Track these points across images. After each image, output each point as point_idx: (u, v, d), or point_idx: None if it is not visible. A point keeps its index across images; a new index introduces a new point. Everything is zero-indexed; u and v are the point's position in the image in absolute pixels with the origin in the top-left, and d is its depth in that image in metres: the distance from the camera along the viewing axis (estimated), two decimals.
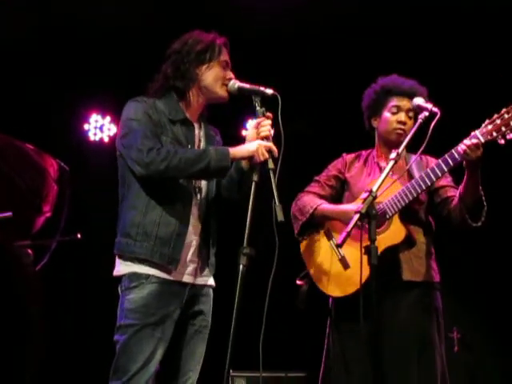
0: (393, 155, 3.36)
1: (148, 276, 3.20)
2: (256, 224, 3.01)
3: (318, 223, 3.94)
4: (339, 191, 4.06)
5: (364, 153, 4.09)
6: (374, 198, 3.19)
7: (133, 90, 3.49)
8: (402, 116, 3.87)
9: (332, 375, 3.82)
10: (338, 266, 3.80)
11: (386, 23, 6.04)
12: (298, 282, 3.98)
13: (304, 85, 6.58)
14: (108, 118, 6.92)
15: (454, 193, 3.75)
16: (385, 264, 3.52)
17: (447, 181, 3.86)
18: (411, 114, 3.84)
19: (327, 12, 5.99)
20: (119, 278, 3.28)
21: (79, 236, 4.95)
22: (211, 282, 3.42)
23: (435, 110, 3.51)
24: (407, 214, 3.74)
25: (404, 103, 3.87)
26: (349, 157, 4.11)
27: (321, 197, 4.02)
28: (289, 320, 6.15)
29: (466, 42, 5.96)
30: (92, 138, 6.94)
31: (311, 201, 3.97)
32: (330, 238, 3.89)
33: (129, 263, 3.24)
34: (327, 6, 5.89)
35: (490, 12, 5.73)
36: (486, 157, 3.51)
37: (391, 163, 3.34)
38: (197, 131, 3.45)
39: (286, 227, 3.99)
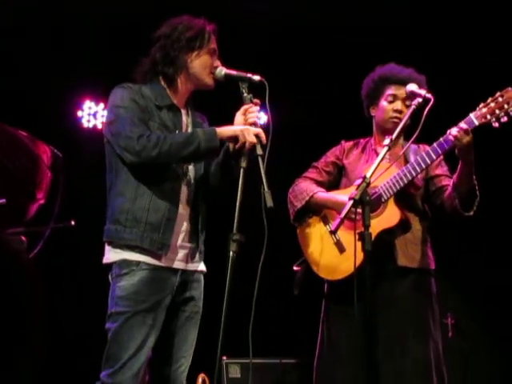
0: (386, 141, 3.37)
1: (138, 263, 3.20)
2: (248, 210, 3.01)
3: (313, 210, 3.95)
4: (337, 177, 4.07)
5: (362, 140, 4.11)
6: (368, 184, 3.19)
7: (126, 76, 3.48)
8: (398, 104, 3.87)
9: (326, 360, 3.83)
10: (334, 249, 3.81)
11: (382, 9, 6.02)
12: (295, 268, 3.98)
13: (301, 72, 6.57)
14: (101, 105, 6.89)
15: (449, 182, 3.76)
16: (380, 249, 3.53)
17: (443, 170, 3.87)
18: (408, 102, 3.83)
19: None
20: (109, 266, 3.28)
21: (73, 223, 4.94)
22: (202, 267, 3.42)
23: (429, 95, 3.51)
24: (403, 198, 3.75)
25: (401, 92, 3.86)
26: (347, 144, 4.12)
27: (318, 183, 4.02)
28: (285, 306, 6.16)
29: (459, 26, 5.95)
30: (85, 124, 6.92)
31: (308, 187, 3.97)
32: (326, 223, 3.90)
33: (118, 250, 3.23)
34: None
35: None
36: (480, 147, 3.51)
37: (385, 149, 3.35)
38: (184, 117, 3.45)
39: (286, 213, 4.01)
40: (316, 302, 3.99)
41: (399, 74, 3.91)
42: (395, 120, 3.85)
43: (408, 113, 3.51)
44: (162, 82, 3.41)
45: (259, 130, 3.20)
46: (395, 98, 3.89)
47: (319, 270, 3.85)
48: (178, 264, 3.29)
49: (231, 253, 3.00)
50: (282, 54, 6.36)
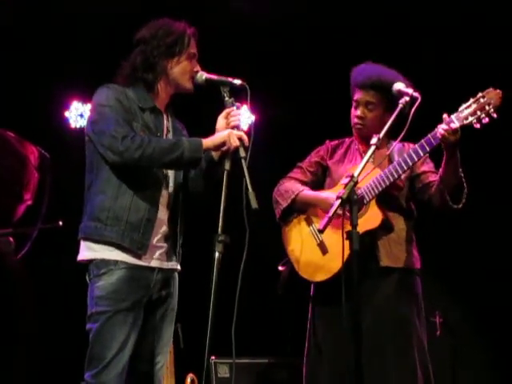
0: (373, 140, 3.35)
1: (116, 262, 3.21)
2: (232, 211, 3.04)
3: (299, 209, 3.95)
4: (321, 177, 4.08)
5: (347, 140, 4.10)
6: (356, 183, 3.19)
7: (114, 77, 3.48)
8: (358, 111, 3.87)
9: (312, 359, 3.83)
10: (317, 251, 3.82)
11: (369, 8, 6.04)
12: (280, 268, 3.99)
13: (285, 71, 6.57)
14: (89, 106, 6.87)
15: (435, 178, 3.76)
16: (363, 249, 3.53)
17: (429, 166, 3.87)
18: (371, 106, 3.83)
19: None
20: (86, 265, 3.28)
21: (60, 224, 4.92)
22: (177, 267, 3.44)
23: (416, 94, 3.51)
24: (385, 199, 3.75)
25: (361, 96, 3.86)
26: (332, 144, 4.12)
27: (302, 183, 4.03)
28: (273, 305, 6.16)
29: (445, 25, 5.96)
30: (73, 125, 6.90)
31: (293, 186, 3.98)
32: (310, 223, 3.90)
33: (96, 247, 3.24)
34: None
35: None
36: (466, 139, 3.52)
37: (372, 148, 3.34)
38: (165, 121, 3.47)
39: (271, 213, 4.02)
40: (302, 301, 3.99)
41: (359, 77, 3.89)
42: (357, 126, 3.89)
43: (395, 112, 3.50)
44: (143, 87, 3.42)
45: (242, 133, 3.25)
46: (357, 103, 3.89)
47: (302, 272, 3.86)
48: (155, 263, 3.31)
49: (217, 253, 3.03)
50: (264, 53, 6.36)
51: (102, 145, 3.24)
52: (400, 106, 3.50)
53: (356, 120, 3.88)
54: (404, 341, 3.65)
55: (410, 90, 3.55)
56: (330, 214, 3.20)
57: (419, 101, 3.46)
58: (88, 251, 3.27)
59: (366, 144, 3.82)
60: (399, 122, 3.49)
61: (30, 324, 4.40)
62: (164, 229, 3.35)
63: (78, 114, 6.89)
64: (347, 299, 3.12)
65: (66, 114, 6.88)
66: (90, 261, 3.26)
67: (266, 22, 6.18)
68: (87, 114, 6.80)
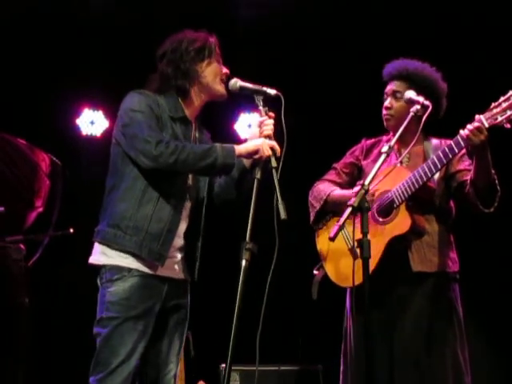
0: (384, 149, 3.32)
1: (130, 269, 3.21)
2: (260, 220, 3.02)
3: (333, 211, 3.90)
4: (356, 178, 3.96)
5: (384, 138, 3.99)
6: (366, 191, 3.16)
7: (125, 85, 3.49)
8: (386, 101, 3.83)
9: (348, 369, 3.74)
10: (348, 256, 3.68)
11: (383, 12, 6.02)
12: (315, 272, 3.95)
13: (309, 79, 6.56)
14: (100, 113, 6.89)
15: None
16: (394, 255, 3.50)
17: (464, 165, 3.72)
18: (398, 94, 3.77)
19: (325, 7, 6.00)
20: (98, 269, 3.27)
21: (71, 231, 4.94)
22: (189, 277, 3.43)
23: (427, 103, 3.49)
24: (417, 202, 3.63)
25: (389, 88, 3.83)
26: (368, 142, 4.03)
27: (336, 184, 3.96)
28: (288, 312, 6.16)
29: (475, 25, 5.92)
30: (84, 132, 6.91)
31: (325, 188, 3.91)
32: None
33: (111, 254, 3.23)
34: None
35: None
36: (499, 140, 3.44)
37: (383, 156, 3.30)
38: (193, 131, 3.46)
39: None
40: (322, 308, 3.93)
41: (388, 70, 3.86)
42: (386, 117, 3.81)
43: (407, 119, 3.48)
44: (176, 95, 3.41)
45: (274, 143, 3.24)
46: (386, 95, 3.85)
47: (333, 277, 3.80)
48: (168, 273, 3.30)
49: (244, 261, 3.01)
50: (284, 60, 6.37)
51: (134, 149, 3.22)
52: (411, 113, 3.48)
53: (384, 111, 3.82)
54: (436, 356, 3.52)
55: (420, 99, 3.52)
56: (341, 222, 3.17)
57: (430, 109, 3.44)
58: (102, 256, 3.26)
59: (401, 142, 3.71)
60: (432, 120, 3.48)
61: (25, 331, 4.42)
62: (182, 241, 3.35)
63: (89, 121, 6.91)
64: (378, 306, 3.06)
65: (77, 121, 6.88)
66: (103, 265, 3.26)
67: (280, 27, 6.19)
68: (98, 121, 6.84)
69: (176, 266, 3.34)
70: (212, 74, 3.41)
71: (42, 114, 6.40)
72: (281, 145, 3.25)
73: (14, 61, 6.13)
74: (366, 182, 3.18)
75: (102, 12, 5.96)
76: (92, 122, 6.90)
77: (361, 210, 3.14)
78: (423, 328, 3.56)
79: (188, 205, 3.37)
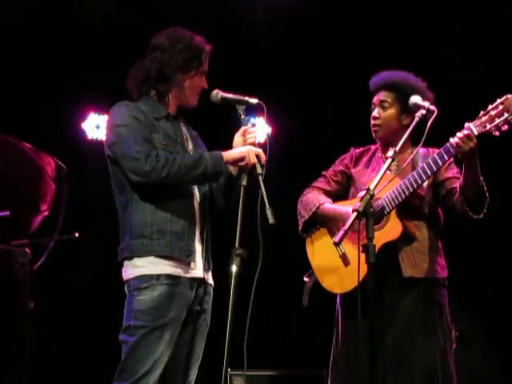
0: (390, 153, 3.33)
1: (159, 277, 3.20)
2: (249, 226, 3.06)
3: (320, 221, 3.93)
4: (345, 186, 4.02)
5: (373, 147, 4.04)
6: (372, 196, 3.18)
7: (126, 79, 3.49)
8: (374, 112, 3.87)
9: (337, 373, 3.80)
10: (339, 262, 3.79)
11: (381, 18, 6.04)
12: (305, 279, 3.98)
13: (300, 83, 6.58)
14: (106, 117, 6.91)
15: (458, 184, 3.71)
16: (385, 260, 3.50)
17: (453, 172, 3.78)
18: (385, 104, 3.82)
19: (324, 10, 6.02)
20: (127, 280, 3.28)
21: (77, 235, 4.94)
22: (212, 281, 3.44)
23: (432, 108, 3.49)
24: (406, 209, 3.69)
25: (376, 98, 3.87)
26: (357, 151, 4.07)
27: (326, 192, 3.99)
28: (289, 318, 6.15)
29: (464, 33, 5.94)
30: (90, 136, 6.93)
31: (315, 198, 3.94)
32: (332, 235, 3.87)
33: (140, 263, 3.23)
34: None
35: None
36: (489, 147, 3.46)
37: (388, 161, 3.31)
38: (182, 128, 3.49)
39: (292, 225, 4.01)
40: (319, 313, 3.97)
41: (374, 81, 3.90)
42: (373, 128, 3.86)
43: (412, 124, 3.49)
44: (152, 95, 3.44)
45: (259, 150, 3.28)
46: (373, 105, 3.89)
47: (325, 283, 3.84)
48: (198, 273, 3.31)
49: (234, 267, 3.04)
50: (279, 65, 6.39)
51: (125, 168, 3.24)
52: (416, 118, 3.48)
53: (372, 121, 3.87)
54: (426, 351, 3.57)
55: (426, 104, 3.53)
56: (346, 227, 3.18)
57: (435, 114, 3.44)
58: (133, 269, 3.25)
59: (391, 148, 3.69)
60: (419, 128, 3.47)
61: (29, 334, 4.42)
62: (201, 238, 3.37)
63: (94, 125, 6.93)
64: (366, 314, 3.10)
65: (83, 125, 6.91)
66: (135, 277, 3.25)
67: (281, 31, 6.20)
68: (104, 125, 6.85)
69: (205, 266, 3.35)
70: (192, 87, 3.44)
71: (47, 118, 6.42)
72: (264, 150, 3.30)
73: (19, 65, 6.16)
74: (372, 187, 3.19)
75: (106, 15, 5.98)
76: (97, 126, 6.93)
77: (366, 215, 3.15)
78: (412, 330, 3.61)
79: (196, 203, 3.39)
